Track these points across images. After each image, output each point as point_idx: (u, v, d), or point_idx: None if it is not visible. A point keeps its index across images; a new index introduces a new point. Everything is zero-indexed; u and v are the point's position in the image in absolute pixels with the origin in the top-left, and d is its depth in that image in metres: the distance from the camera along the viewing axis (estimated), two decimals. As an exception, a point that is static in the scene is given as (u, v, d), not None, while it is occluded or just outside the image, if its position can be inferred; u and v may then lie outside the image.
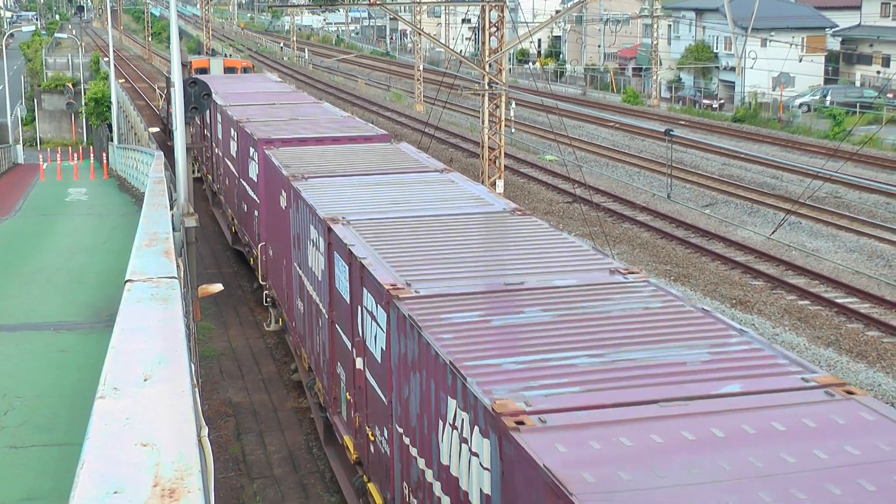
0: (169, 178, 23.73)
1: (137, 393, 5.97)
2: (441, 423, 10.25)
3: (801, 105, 69.33)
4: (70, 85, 76.00)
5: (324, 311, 16.89)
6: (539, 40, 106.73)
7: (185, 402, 5.81)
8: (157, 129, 49.74)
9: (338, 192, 18.59)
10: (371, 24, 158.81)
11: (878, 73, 73.95)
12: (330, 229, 15.71)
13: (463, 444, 9.53)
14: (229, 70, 52.65)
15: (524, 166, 49.43)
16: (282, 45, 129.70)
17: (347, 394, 15.22)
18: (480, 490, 9.14)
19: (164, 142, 45.72)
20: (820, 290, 28.95)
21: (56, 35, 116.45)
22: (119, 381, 6.16)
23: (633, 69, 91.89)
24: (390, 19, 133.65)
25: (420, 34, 64.67)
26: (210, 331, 26.40)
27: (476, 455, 9.22)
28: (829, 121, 61.49)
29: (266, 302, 25.53)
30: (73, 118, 74.42)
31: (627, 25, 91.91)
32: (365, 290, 13.50)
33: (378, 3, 41.33)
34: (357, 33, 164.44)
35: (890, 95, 68.07)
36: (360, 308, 13.97)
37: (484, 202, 17.52)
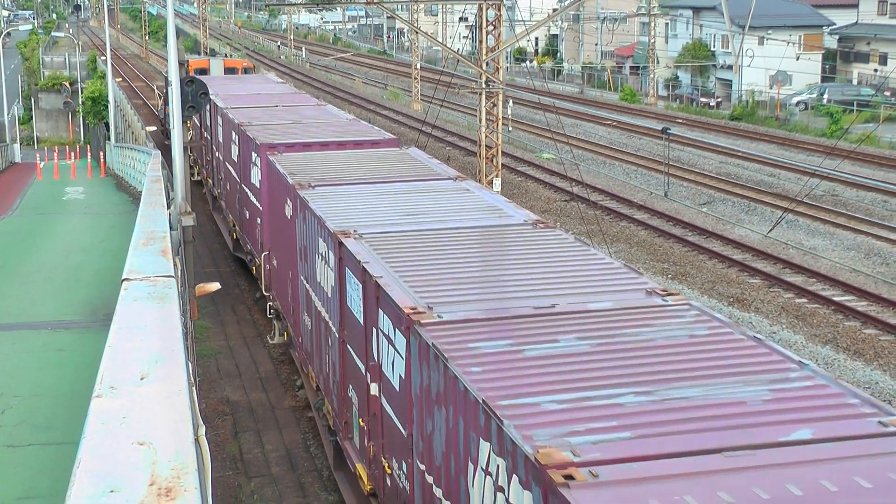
0: (166, 177, 23.72)
1: (134, 392, 5.97)
2: (472, 466, 9.33)
3: (798, 103, 69.33)
4: (67, 84, 75.93)
5: (334, 329, 16.01)
6: (536, 38, 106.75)
7: (181, 400, 5.81)
8: (154, 128, 49.68)
9: (347, 202, 17.67)
10: (368, 22, 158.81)
11: (876, 71, 73.97)
12: (341, 244, 14.84)
13: (499, 493, 8.63)
14: (230, 70, 51.80)
15: (521, 165, 49.43)
16: (279, 43, 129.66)
17: (360, 420, 14.31)
18: None
19: (163, 142, 45.64)
20: (817, 288, 28.96)
21: (53, 34, 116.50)
22: (116, 379, 6.15)
23: (631, 67, 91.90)
24: (387, 18, 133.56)
25: (417, 33, 64.66)
26: (207, 329, 26.39)
27: None
28: (826, 119, 61.51)
29: (269, 314, 24.66)
30: (71, 117, 74.34)
31: (624, 24, 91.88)
32: (381, 312, 12.59)
33: (375, 1, 41.30)
34: (354, 32, 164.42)
35: (887, 93, 68.10)
36: (375, 330, 13.03)
37: (503, 213, 16.60)
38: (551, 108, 53.39)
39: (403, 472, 12.06)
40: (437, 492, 10.53)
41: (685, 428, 8.12)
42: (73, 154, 59.00)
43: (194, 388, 9.29)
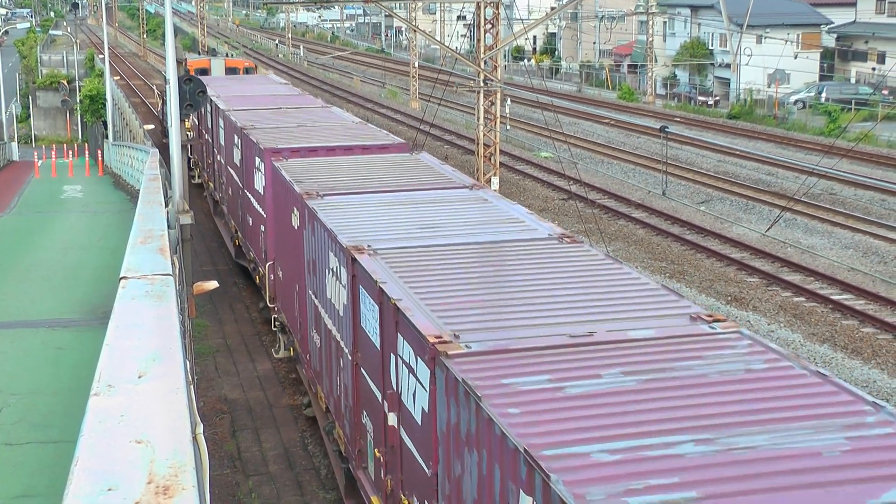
0: (164, 176, 23.71)
1: (132, 390, 5.96)
2: None
3: (796, 102, 69.38)
4: (65, 82, 75.99)
5: (346, 350, 15.03)
6: (534, 37, 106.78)
7: (179, 399, 5.80)
8: (152, 126, 49.61)
9: (358, 213, 16.71)
10: (366, 20, 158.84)
11: (874, 69, 73.99)
12: (354, 260, 13.84)
13: None
14: (231, 71, 50.83)
15: (520, 163, 49.43)
16: (277, 42, 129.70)
17: (376, 450, 13.33)
18: None
19: (161, 141, 45.56)
20: (815, 287, 28.97)
21: (51, 32, 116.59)
22: (114, 378, 6.15)
23: (629, 66, 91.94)
24: (385, 16, 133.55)
25: (415, 31, 64.64)
26: (205, 328, 26.39)
27: None
28: (824, 117, 61.55)
29: (274, 327, 23.73)
30: (68, 115, 74.39)
31: (623, 22, 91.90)
32: (401, 338, 11.60)
33: (373, -1, 41.28)
34: (352, 30, 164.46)
35: (885, 92, 68.12)
36: (393, 356, 12.06)
37: (525, 226, 15.55)
38: (549, 107, 53.41)
39: None
40: None
41: (757, 486, 7.26)
42: (70, 152, 59.03)
43: (192, 387, 9.29)
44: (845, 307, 27.24)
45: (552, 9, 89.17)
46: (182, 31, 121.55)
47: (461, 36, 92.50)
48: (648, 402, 8.65)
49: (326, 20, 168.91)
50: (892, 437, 7.97)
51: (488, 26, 36.96)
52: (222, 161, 33.13)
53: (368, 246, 14.14)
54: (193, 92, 21.07)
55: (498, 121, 37.70)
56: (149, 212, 14.79)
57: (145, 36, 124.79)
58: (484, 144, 37.17)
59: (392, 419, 12.28)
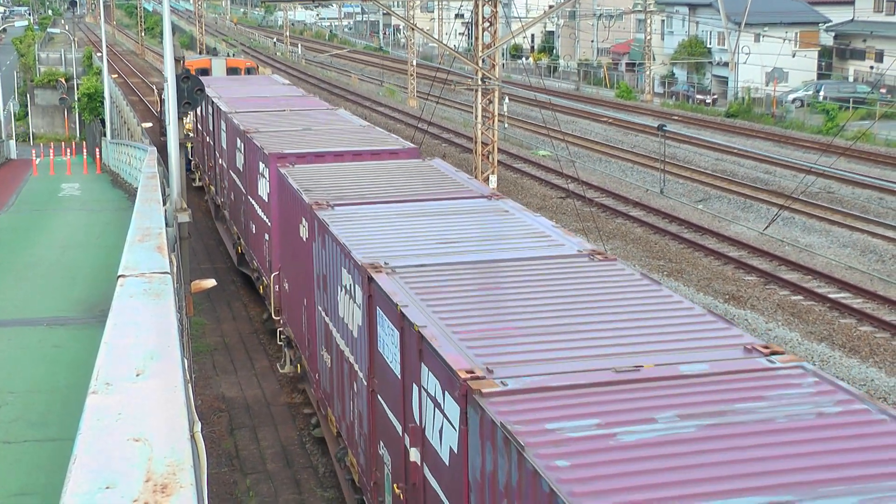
0: (162, 174, 23.71)
1: (130, 388, 5.96)
2: None
3: (794, 100, 69.40)
4: (63, 80, 75.98)
5: (361, 375, 14.04)
6: (532, 35, 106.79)
7: (177, 397, 5.80)
8: (150, 124, 49.58)
9: (372, 225, 15.72)
10: (364, 19, 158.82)
11: (872, 68, 74.01)
12: (371, 279, 12.84)
13: None
14: (232, 71, 49.89)
15: (517, 161, 49.44)
16: (275, 40, 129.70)
17: (395, 486, 12.38)
18: None
19: (160, 139, 45.44)
20: (813, 286, 28.99)
21: (49, 30, 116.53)
22: (111, 376, 6.15)
23: (627, 64, 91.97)
24: (383, 14, 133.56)
25: (413, 29, 64.63)
26: (203, 326, 26.39)
27: None
28: (822, 116, 61.57)
29: (280, 340, 22.64)
30: (66, 113, 74.40)
31: (620, 20, 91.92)
32: (425, 368, 10.68)
33: (371, -2, 41.26)
34: (350, 28, 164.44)
35: (883, 91, 68.15)
36: (416, 388, 11.11)
37: (551, 241, 14.50)
38: (547, 105, 53.43)
39: None
40: None
41: None
42: (68, 150, 59.04)
43: (190, 385, 9.29)
44: (843, 306, 27.25)
45: (550, 7, 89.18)
46: (180, 29, 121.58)
47: (459, 34, 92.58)
48: (713, 454, 7.82)
49: (324, 18, 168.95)
50: None
51: (486, 24, 36.95)
52: (224, 165, 32.28)
53: (385, 263, 13.15)
54: (191, 90, 21.06)
55: (496, 119, 37.70)
56: (147, 210, 14.79)
57: (143, 34, 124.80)
58: (482, 143, 37.18)
59: (414, 455, 11.32)
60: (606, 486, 7.28)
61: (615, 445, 7.89)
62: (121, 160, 42.01)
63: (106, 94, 55.46)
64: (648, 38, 77.70)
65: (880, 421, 8.26)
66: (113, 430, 5.21)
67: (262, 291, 25.81)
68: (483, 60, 36.48)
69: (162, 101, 41.44)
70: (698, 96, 77.16)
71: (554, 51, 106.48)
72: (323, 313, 16.86)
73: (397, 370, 11.90)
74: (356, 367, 14.32)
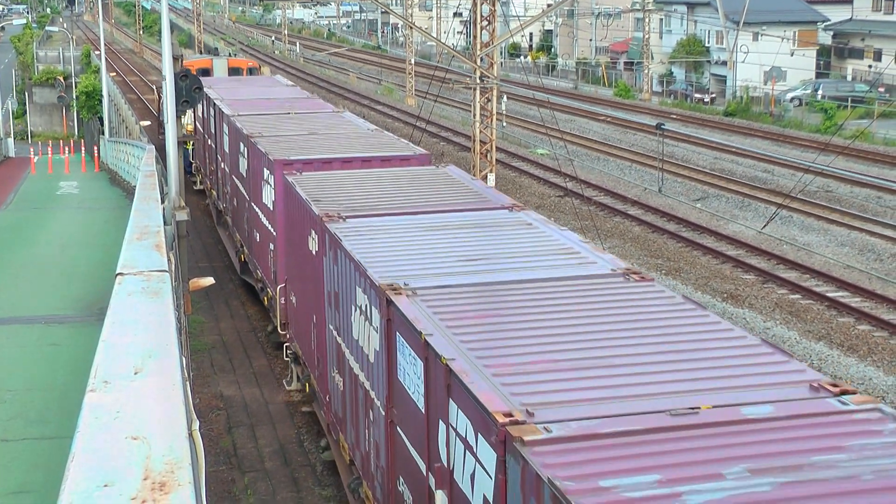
0: (160, 172, 23.70)
1: (128, 386, 5.96)
2: None
3: (792, 99, 69.45)
4: (61, 78, 76.00)
5: (378, 403, 13.02)
6: (531, 34, 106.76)
7: (175, 395, 5.81)
8: (148, 123, 49.51)
9: (388, 240, 14.68)
10: (362, 17, 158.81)
11: (870, 67, 74.06)
12: (390, 302, 11.88)
13: None
14: (234, 71, 48.86)
15: (516, 160, 49.44)
16: (273, 38, 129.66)
17: None
18: None
19: (159, 138, 45.31)
20: (811, 284, 29.00)
21: (47, 28, 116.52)
22: (109, 374, 6.15)
23: (625, 63, 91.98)
24: (382, 13, 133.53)
25: (411, 28, 64.62)
26: (201, 324, 26.39)
27: None
28: (820, 115, 61.62)
29: (286, 356, 21.75)
30: (65, 111, 74.40)
31: (619, 19, 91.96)
32: (454, 405, 9.70)
33: (370, -4, 41.21)
34: (348, 27, 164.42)
35: (881, 90, 68.18)
36: (443, 425, 10.15)
37: (582, 258, 13.46)
38: (545, 104, 53.43)
39: None
40: None
41: None
42: (67, 148, 59.04)
43: (188, 383, 9.29)
44: (841, 304, 27.27)
45: (549, 5, 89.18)
46: (178, 28, 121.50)
47: (457, 33, 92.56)
48: None
49: (323, 17, 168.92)
50: None
51: (485, 23, 36.95)
52: (226, 169, 31.41)
53: (405, 284, 12.16)
54: (190, 88, 21.05)
55: (494, 117, 37.69)
56: (145, 208, 14.79)
57: (141, 32, 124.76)
58: (480, 141, 37.18)
59: (441, 499, 10.27)
60: None
61: None
62: (119, 158, 42.01)
63: (104, 93, 55.47)
64: (647, 36, 77.73)
65: None
66: (111, 428, 5.21)
67: (266, 303, 25.03)
68: (481, 59, 36.48)
69: (161, 100, 41.23)
70: (696, 95, 77.19)
71: (552, 49, 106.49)
72: (334, 332, 15.93)
73: (420, 403, 10.94)
74: (372, 393, 13.35)
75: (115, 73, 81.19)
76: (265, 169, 22.96)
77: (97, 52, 70.13)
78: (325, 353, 16.94)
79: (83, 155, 53.29)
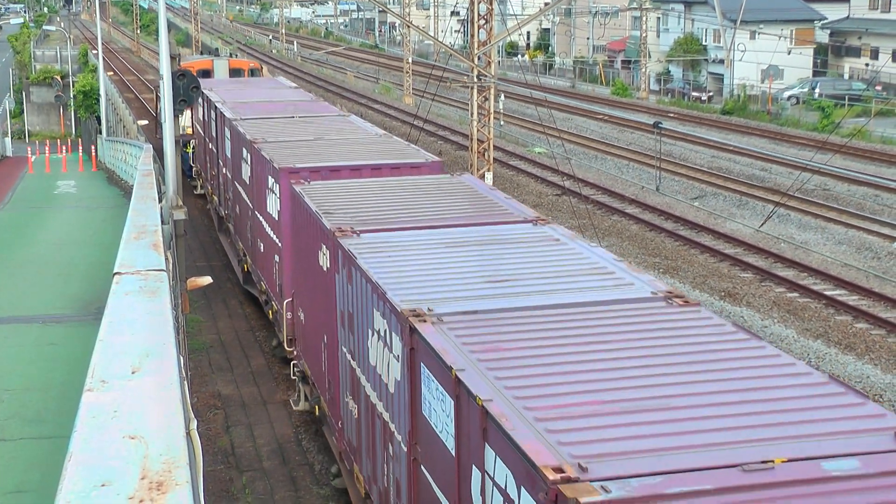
0: (158, 171, 23.69)
1: (125, 386, 5.96)
2: None
3: (789, 97, 69.44)
4: (58, 77, 75.93)
5: (398, 438, 11.98)
6: (528, 33, 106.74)
7: (173, 394, 5.81)
8: (145, 122, 49.45)
9: (406, 258, 13.62)
10: (360, 16, 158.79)
11: (867, 65, 74.07)
12: (413, 329, 10.79)
13: None
14: (235, 72, 47.84)
15: (513, 159, 49.43)
16: (271, 37, 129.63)
17: None
18: None
19: (157, 137, 45.22)
20: (809, 283, 29.01)
21: (44, 27, 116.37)
22: (107, 373, 6.15)
23: (622, 62, 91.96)
24: (379, 12, 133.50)
25: (409, 27, 64.63)
26: (199, 324, 26.38)
27: None
28: (817, 113, 61.63)
29: (293, 375, 20.48)
30: (62, 111, 74.34)
31: (616, 18, 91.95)
32: (491, 452, 8.64)
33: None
34: (346, 26, 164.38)
35: (878, 88, 68.19)
36: (477, 471, 9.08)
37: (618, 280, 12.34)
38: (543, 103, 53.45)
39: None
40: None
41: None
42: (64, 148, 58.94)
43: (186, 382, 9.29)
44: (839, 303, 27.28)
45: (546, 4, 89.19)
46: (176, 27, 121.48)
47: (455, 31, 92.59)
48: None
49: (320, 16, 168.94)
50: None
51: (482, 22, 36.94)
52: (229, 175, 30.27)
53: (429, 310, 11.10)
54: (187, 87, 21.05)
55: (492, 116, 37.69)
56: (142, 207, 14.79)
57: (139, 31, 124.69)
58: (478, 140, 37.17)
59: None
60: None
61: None
62: (116, 157, 41.99)
63: (101, 92, 55.45)
64: (644, 35, 77.72)
65: None
66: (109, 428, 5.21)
67: (270, 317, 24.06)
68: (479, 58, 36.47)
69: (159, 99, 41.09)
70: (694, 93, 77.20)
71: (550, 48, 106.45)
72: (348, 356, 14.85)
73: (450, 445, 9.86)
74: (392, 426, 12.28)
75: (112, 73, 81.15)
76: (269, 177, 21.95)
77: (94, 52, 70.14)
78: (338, 375, 15.88)
79: (80, 154, 53.23)
